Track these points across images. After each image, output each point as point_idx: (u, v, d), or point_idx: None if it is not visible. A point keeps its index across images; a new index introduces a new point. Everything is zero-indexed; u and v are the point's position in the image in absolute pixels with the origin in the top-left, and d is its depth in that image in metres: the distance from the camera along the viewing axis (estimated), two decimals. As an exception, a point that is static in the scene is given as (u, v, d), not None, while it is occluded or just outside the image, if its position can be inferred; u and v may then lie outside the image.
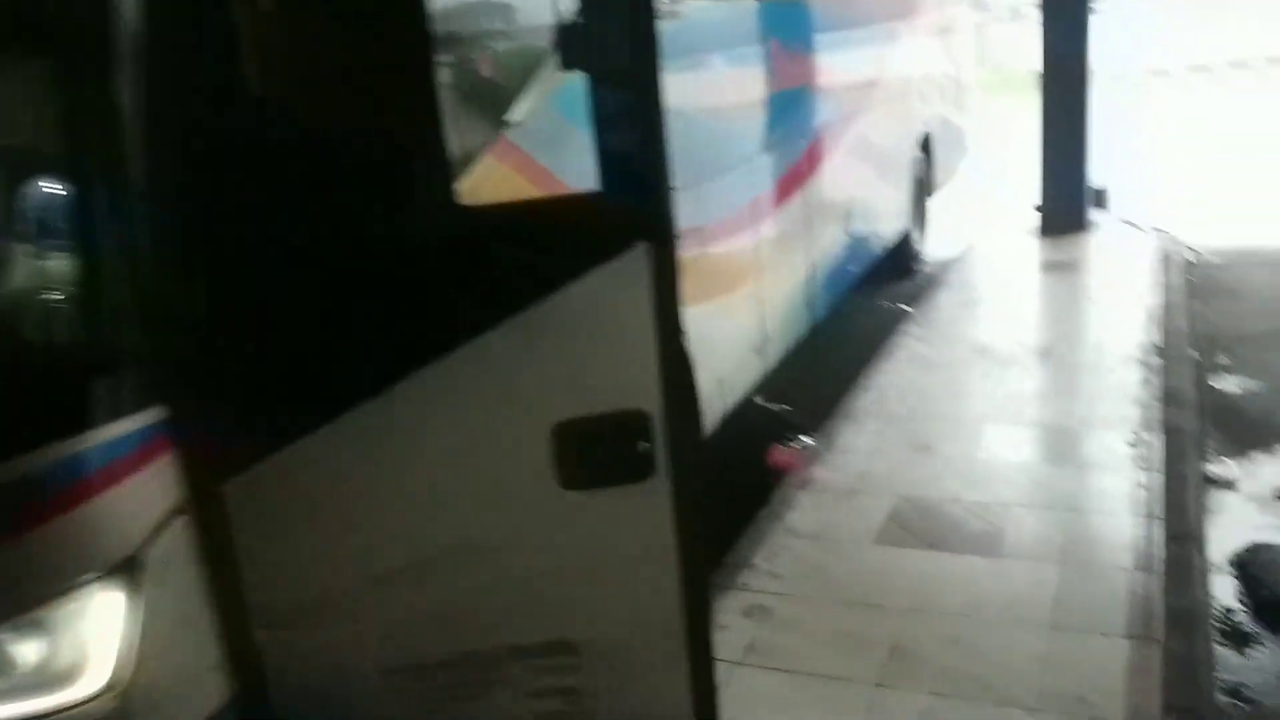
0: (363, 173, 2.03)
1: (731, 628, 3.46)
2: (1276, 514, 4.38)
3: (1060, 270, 7.82)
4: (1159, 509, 4.00)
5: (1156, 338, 5.91)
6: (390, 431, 2.10)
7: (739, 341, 4.87)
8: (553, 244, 2.11)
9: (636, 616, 2.29)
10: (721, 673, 3.20)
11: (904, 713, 2.95)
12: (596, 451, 2.13)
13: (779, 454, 5.31)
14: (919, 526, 4.00)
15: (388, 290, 2.06)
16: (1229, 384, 5.83)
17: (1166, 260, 7.75)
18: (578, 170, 2.41)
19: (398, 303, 2.08)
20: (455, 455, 2.14)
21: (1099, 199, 9.04)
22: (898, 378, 5.70)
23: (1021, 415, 5.07)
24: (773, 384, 5.43)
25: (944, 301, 7.22)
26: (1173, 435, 4.68)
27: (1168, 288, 6.97)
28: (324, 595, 2.19)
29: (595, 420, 2.11)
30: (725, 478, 4.73)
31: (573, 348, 2.10)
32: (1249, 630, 3.60)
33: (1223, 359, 6.19)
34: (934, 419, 5.09)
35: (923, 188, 8.39)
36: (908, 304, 7.53)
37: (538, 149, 3.26)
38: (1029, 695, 2.95)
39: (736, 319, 4.84)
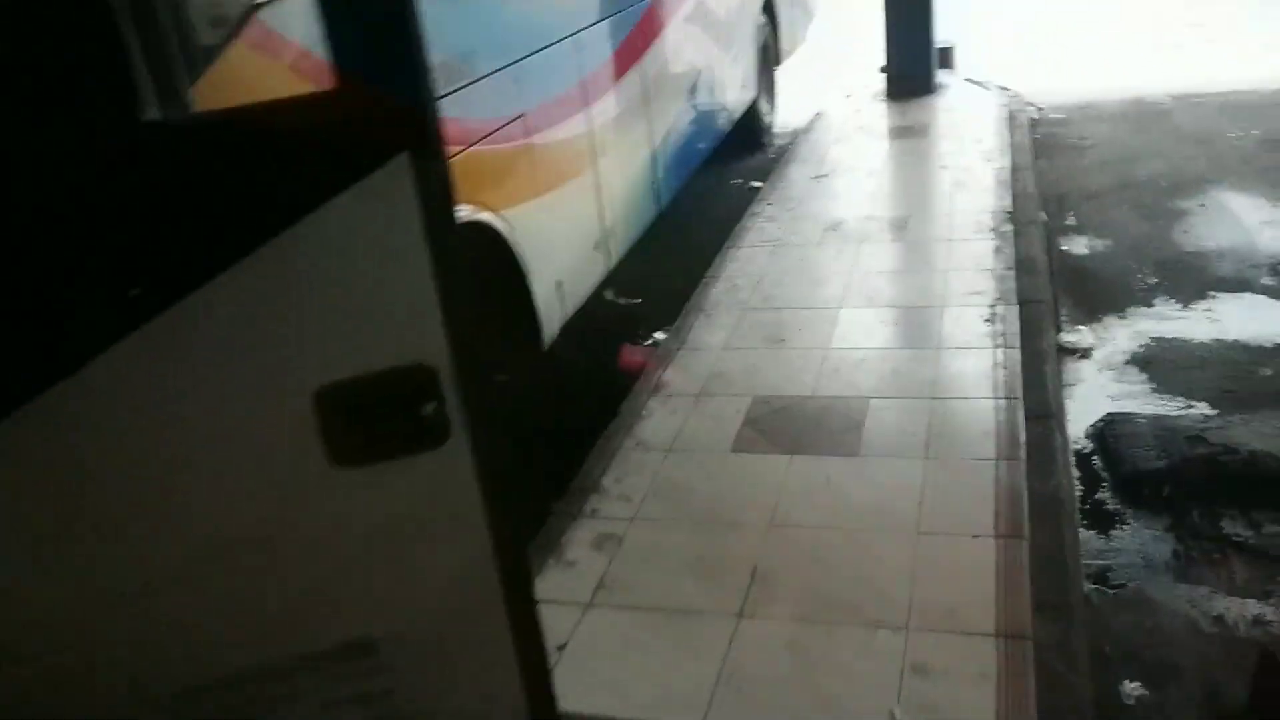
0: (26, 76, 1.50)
1: (580, 563, 3.15)
2: (1132, 380, 4.30)
3: (909, 135, 7.60)
4: (1018, 389, 3.84)
5: (1006, 202, 5.75)
6: (103, 415, 1.63)
7: (577, 239, 4.45)
8: (293, 159, 1.64)
9: (445, 603, 1.92)
10: (571, 617, 2.92)
11: (768, 646, 2.72)
12: (372, 418, 1.72)
13: (628, 355, 4.99)
14: (777, 429, 3.74)
15: (78, 236, 1.56)
16: (1078, 245, 5.76)
17: (1012, 119, 7.62)
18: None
19: (96, 251, 1.58)
20: (194, 437, 1.70)
21: (945, 58, 8.82)
22: (749, 264, 5.40)
23: (877, 296, 4.84)
24: (619, 279, 5.07)
25: (794, 175, 6.91)
26: (1027, 308, 4.53)
27: (1014, 148, 6.84)
28: (49, 618, 1.74)
29: (367, 382, 1.68)
30: (570, 388, 4.39)
31: (327, 293, 1.66)
32: (1112, 509, 3.51)
33: (1070, 219, 6.12)
34: (788, 307, 4.82)
35: (769, 56, 7.98)
36: (757, 181, 7.22)
37: (306, 33, 2.70)
38: (897, 613, 2.75)
39: (572, 214, 4.40)
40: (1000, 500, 3.18)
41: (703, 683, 2.61)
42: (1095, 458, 3.78)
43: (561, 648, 2.78)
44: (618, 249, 4.95)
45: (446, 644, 1.95)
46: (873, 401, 3.83)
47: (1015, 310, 4.47)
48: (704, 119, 6.24)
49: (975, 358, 4.11)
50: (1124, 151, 7.20)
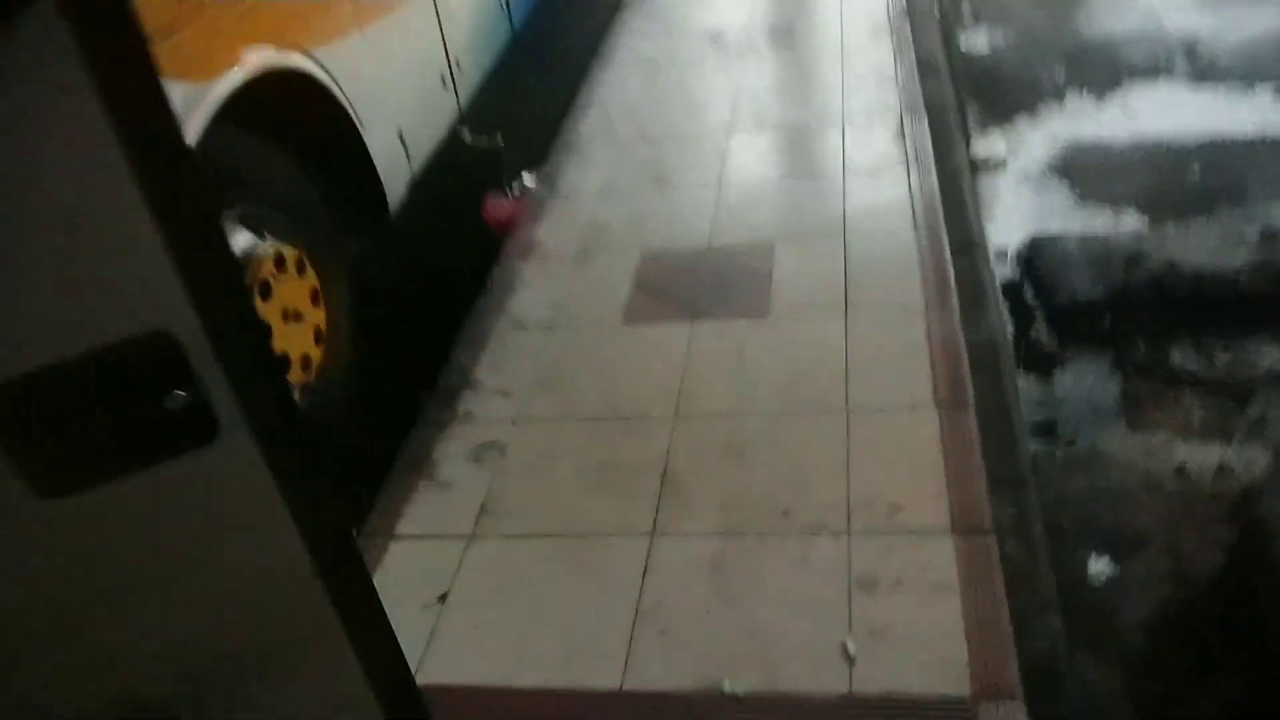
0: None
1: (457, 484, 2.64)
2: (1053, 192, 3.88)
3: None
4: (939, 216, 3.38)
5: (900, -3, 5.15)
6: None
7: (416, 76, 3.71)
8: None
9: (260, 626, 1.40)
10: (451, 556, 2.43)
11: (690, 570, 2.28)
12: (88, 422, 1.13)
13: (493, 208, 4.33)
14: (673, 292, 3.22)
15: None
16: (978, 40, 5.23)
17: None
18: None
19: None
20: None
21: None
22: (622, 87, 4.72)
23: (770, 118, 4.26)
24: (474, 117, 4.35)
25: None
26: (935, 117, 4.03)
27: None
28: None
29: (68, 369, 1.08)
30: (429, 257, 3.76)
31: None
32: (1050, 349, 3.14)
33: (965, 9, 5.57)
34: (670, 138, 4.21)
35: None
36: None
37: None
38: (835, 515, 2.34)
39: (407, 46, 3.65)
40: (936, 359, 2.77)
41: (617, 625, 2.18)
42: (1025, 288, 3.39)
43: (442, 598, 2.30)
44: (468, 83, 4.22)
45: (273, 667, 1.44)
46: (779, 247, 3.32)
47: (924, 123, 3.96)
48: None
49: (887, 182, 3.62)
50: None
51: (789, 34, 5.01)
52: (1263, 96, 4.27)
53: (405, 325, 3.26)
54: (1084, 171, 3.99)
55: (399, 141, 3.51)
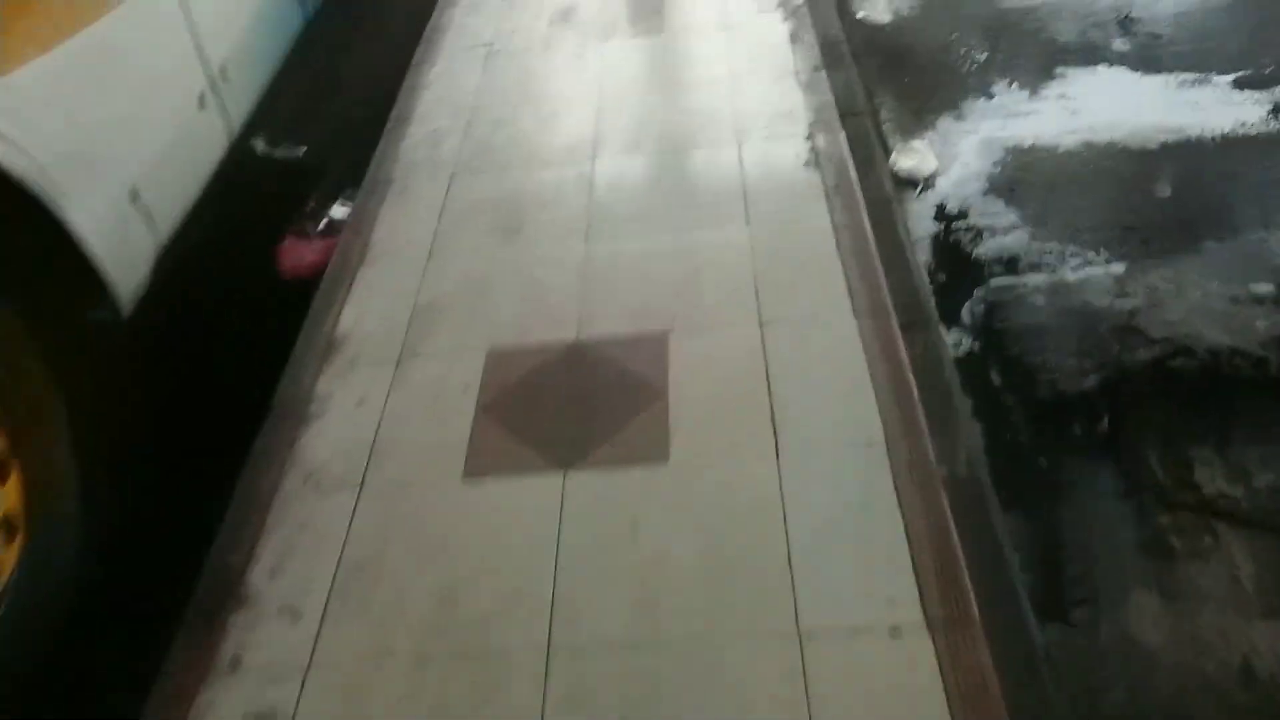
0: None
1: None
2: (999, 220, 3.12)
3: None
4: (876, 275, 2.56)
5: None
6: None
7: (159, 107, 2.67)
8: None
9: None
10: None
11: None
12: None
13: (292, 254, 3.33)
14: (533, 417, 2.31)
15: None
16: (876, 8, 4.40)
17: None
18: None
19: None
20: None
21: None
22: (453, 87, 3.71)
23: (643, 132, 3.34)
24: (271, 119, 3.33)
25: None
26: (852, 126, 3.20)
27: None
28: None
29: None
30: (188, 367, 2.72)
31: None
32: (1035, 461, 2.37)
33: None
34: (518, 162, 3.25)
35: None
36: None
37: None
38: None
39: (137, 68, 2.60)
40: (917, 542, 1.94)
41: None
42: (990, 369, 2.61)
43: None
44: (243, 94, 3.17)
45: None
46: (674, 341, 2.44)
47: (838, 137, 3.11)
48: None
49: (804, 227, 2.77)
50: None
51: (658, 9, 4.06)
52: (1220, 84, 3.59)
53: (145, 495, 2.26)
54: (1031, 190, 3.23)
55: (131, 205, 2.47)
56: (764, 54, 3.55)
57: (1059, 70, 3.80)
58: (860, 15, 4.36)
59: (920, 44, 4.11)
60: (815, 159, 2.98)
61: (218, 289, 2.87)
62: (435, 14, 4.25)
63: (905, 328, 2.46)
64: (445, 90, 3.67)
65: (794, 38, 3.65)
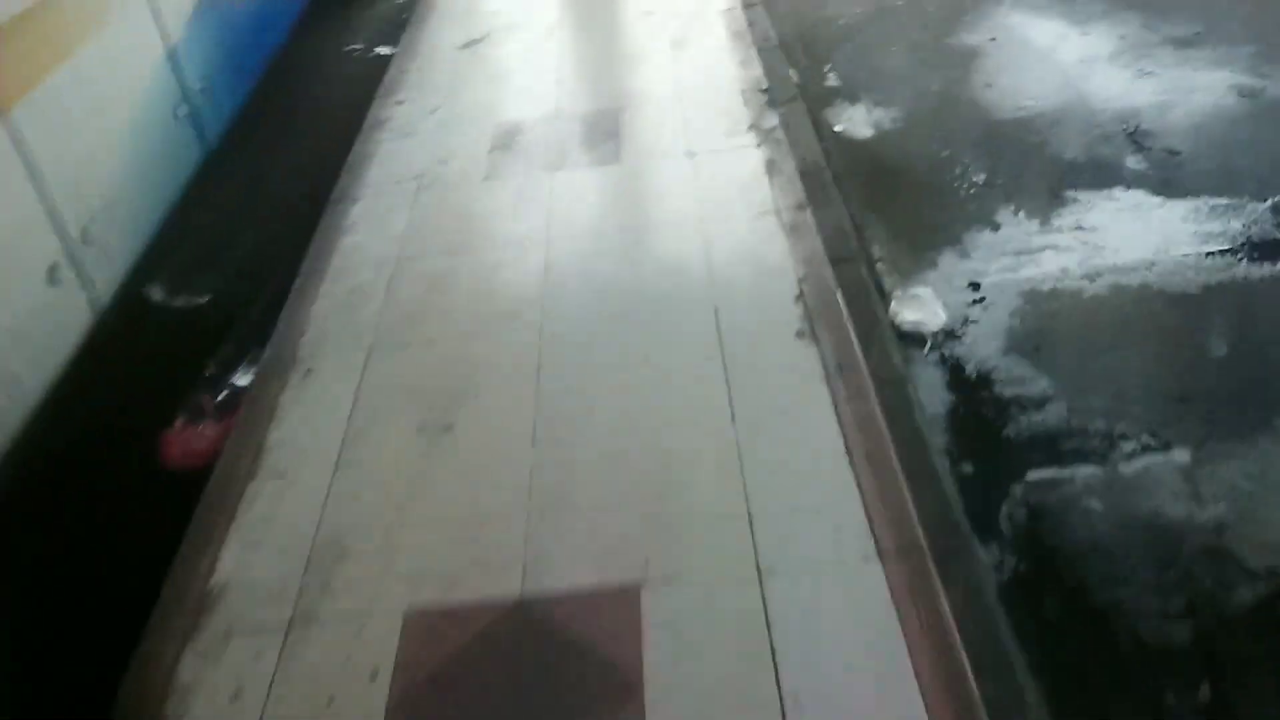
0: None
1: None
2: (1028, 388, 2.61)
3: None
4: (899, 489, 2.02)
5: (755, 70, 3.81)
6: None
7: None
8: None
9: None
10: None
11: None
12: None
13: (180, 443, 2.76)
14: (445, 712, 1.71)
15: None
16: (857, 122, 3.95)
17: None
18: None
19: None
20: None
21: None
22: (378, 230, 3.18)
23: (602, 297, 2.81)
24: (171, 258, 2.78)
25: (436, 40, 4.59)
26: (847, 279, 2.69)
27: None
28: None
29: None
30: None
31: None
32: None
33: (831, 76, 4.29)
34: (452, 330, 2.70)
35: None
36: (387, 46, 4.86)
37: None
38: None
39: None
40: None
41: None
42: (1046, 604, 2.06)
43: None
44: (119, 251, 2.61)
45: None
46: (650, 606, 1.87)
47: (835, 297, 2.60)
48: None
49: (808, 439, 2.22)
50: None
51: (613, 133, 3.57)
52: (1259, 211, 3.15)
53: None
54: (1059, 346, 2.75)
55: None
56: (738, 188, 3.05)
57: (1070, 194, 3.35)
58: (839, 129, 3.90)
59: (909, 163, 3.65)
60: (809, 327, 2.46)
61: (68, 507, 2.27)
62: (360, 139, 3.72)
63: (940, 561, 1.91)
64: (367, 235, 3.13)
65: (771, 168, 3.16)
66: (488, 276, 2.87)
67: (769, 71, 3.84)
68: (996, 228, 3.25)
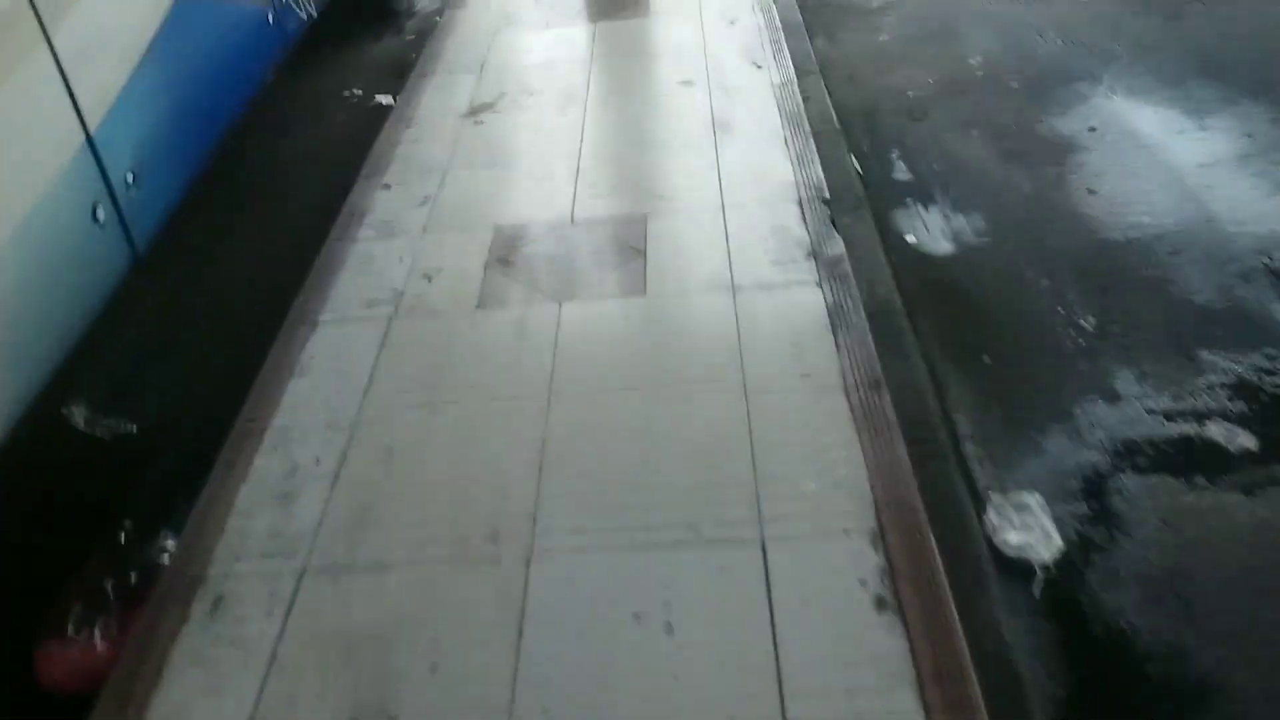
0: None
1: None
2: (1185, 636, 1.93)
3: (617, 11, 4.74)
4: None
5: (813, 169, 3.15)
6: None
7: None
8: None
9: None
10: None
11: None
12: None
13: (56, 662, 2.14)
14: None
15: None
16: (931, 232, 3.30)
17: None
18: None
19: None
20: None
21: None
22: (333, 377, 2.54)
23: (617, 491, 2.13)
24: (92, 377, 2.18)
25: (436, 105, 3.95)
26: (935, 497, 2.01)
27: (785, 36, 4.18)
28: None
29: None
30: None
31: None
32: None
33: (899, 165, 3.67)
34: (413, 550, 2.04)
35: None
36: (385, 94, 4.26)
37: None
38: None
39: None
40: None
41: None
42: None
43: None
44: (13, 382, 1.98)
45: None
46: None
47: (925, 535, 1.92)
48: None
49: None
50: (930, 14, 4.79)
51: (639, 248, 2.90)
52: None
53: None
54: (1214, 596, 2.06)
55: None
56: (793, 345, 2.39)
57: (1205, 356, 2.66)
58: (912, 239, 3.23)
59: (999, 294, 2.97)
60: (892, 592, 1.78)
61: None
62: (333, 234, 3.07)
63: None
64: (323, 380, 2.48)
65: (836, 317, 2.49)
66: (465, 456, 2.22)
67: (829, 168, 3.17)
68: (1115, 399, 2.57)
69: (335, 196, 3.35)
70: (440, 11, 5.30)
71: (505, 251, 2.91)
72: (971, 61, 4.32)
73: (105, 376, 2.68)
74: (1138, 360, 2.68)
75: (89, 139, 2.52)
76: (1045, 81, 4.08)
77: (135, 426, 2.68)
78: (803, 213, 2.91)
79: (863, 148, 3.70)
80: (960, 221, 3.30)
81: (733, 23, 4.30)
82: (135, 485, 2.44)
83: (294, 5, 3.97)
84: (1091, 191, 3.40)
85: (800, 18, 4.52)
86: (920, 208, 3.38)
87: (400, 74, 4.57)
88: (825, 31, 4.66)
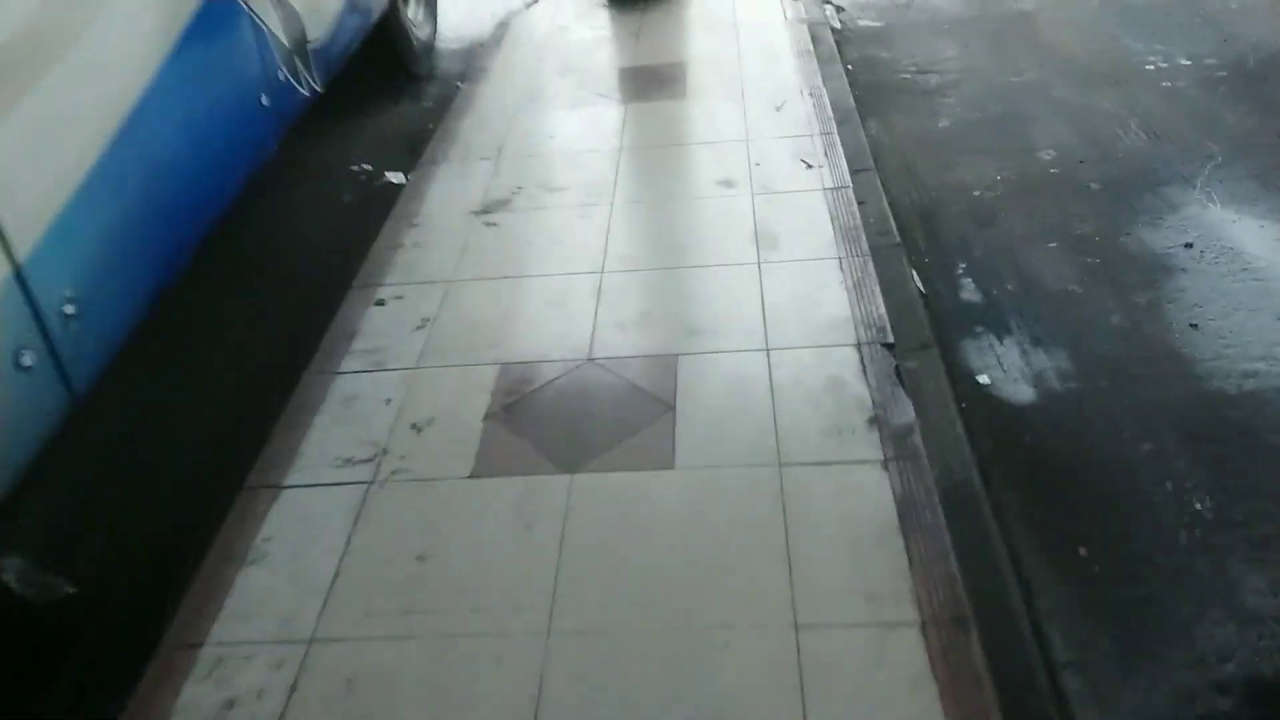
0: None
1: None
2: None
3: (653, 86, 4.34)
4: None
5: (876, 305, 2.70)
6: None
7: None
8: None
9: None
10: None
11: None
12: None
13: None
14: None
15: None
16: (1009, 374, 2.85)
17: (811, 40, 4.50)
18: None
19: None
20: None
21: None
22: (295, 563, 2.13)
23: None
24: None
25: (446, 200, 3.54)
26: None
27: (836, 120, 3.76)
28: None
29: None
30: None
31: None
32: None
33: (965, 281, 3.23)
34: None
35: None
36: (395, 171, 3.89)
37: None
38: None
39: None
40: None
41: None
42: None
43: None
44: None
45: None
46: None
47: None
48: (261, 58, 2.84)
49: None
50: (994, 96, 4.36)
51: (667, 402, 2.44)
52: None
53: None
54: None
55: None
56: (852, 551, 1.93)
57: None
58: (985, 381, 2.76)
59: (1092, 460, 2.50)
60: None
61: None
62: (308, 373, 2.64)
63: None
64: (278, 574, 2.04)
65: (906, 514, 2.02)
66: (442, 700, 1.76)
67: (890, 293, 2.73)
68: (1245, 617, 2.09)
69: (323, 312, 2.94)
70: (463, 76, 4.94)
71: (509, 398, 2.47)
72: (1043, 156, 3.87)
73: (24, 542, 2.27)
74: (1267, 559, 2.19)
75: (16, 272, 2.12)
76: (1130, 183, 3.62)
77: (74, 588, 2.26)
78: (862, 361, 2.46)
79: (925, 260, 3.25)
80: (1041, 359, 2.84)
81: (779, 108, 3.87)
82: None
83: (294, 81, 3.58)
84: (1194, 326, 2.92)
85: (852, 101, 4.10)
86: (994, 339, 2.92)
87: (414, 149, 4.20)
88: (879, 115, 4.24)
